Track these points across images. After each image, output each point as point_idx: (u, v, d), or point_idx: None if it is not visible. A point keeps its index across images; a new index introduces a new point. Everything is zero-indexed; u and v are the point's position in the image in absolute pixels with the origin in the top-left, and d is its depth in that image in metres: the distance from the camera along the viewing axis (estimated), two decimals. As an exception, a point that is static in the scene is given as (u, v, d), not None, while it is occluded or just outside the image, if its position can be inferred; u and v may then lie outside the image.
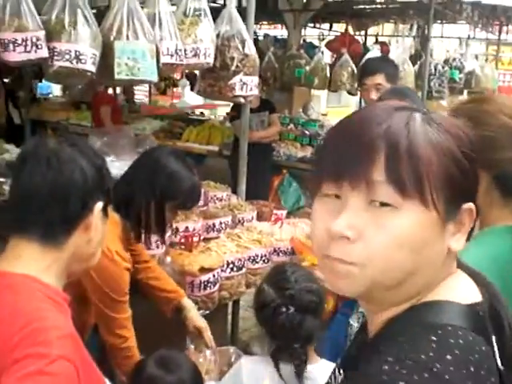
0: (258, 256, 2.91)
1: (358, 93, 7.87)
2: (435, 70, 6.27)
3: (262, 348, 3.69)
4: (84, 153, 1.23)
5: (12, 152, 4.14)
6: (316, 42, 8.27)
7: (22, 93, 7.82)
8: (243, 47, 3.04)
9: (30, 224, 1.18)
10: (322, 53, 6.75)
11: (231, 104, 6.23)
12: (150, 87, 11.56)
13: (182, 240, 2.80)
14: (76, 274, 1.29)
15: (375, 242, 0.78)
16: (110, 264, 2.02)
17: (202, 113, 9.99)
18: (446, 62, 6.66)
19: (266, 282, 1.92)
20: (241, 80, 3.06)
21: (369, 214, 0.79)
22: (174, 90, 12.64)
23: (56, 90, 12.08)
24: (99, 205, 1.23)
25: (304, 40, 8.24)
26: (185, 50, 2.74)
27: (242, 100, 3.16)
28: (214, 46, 2.89)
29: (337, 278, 0.82)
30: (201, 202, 3.38)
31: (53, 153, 1.19)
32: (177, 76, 10.98)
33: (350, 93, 6.89)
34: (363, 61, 6.18)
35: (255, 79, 3.17)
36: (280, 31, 10.05)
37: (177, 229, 2.88)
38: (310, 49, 7.51)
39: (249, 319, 4.67)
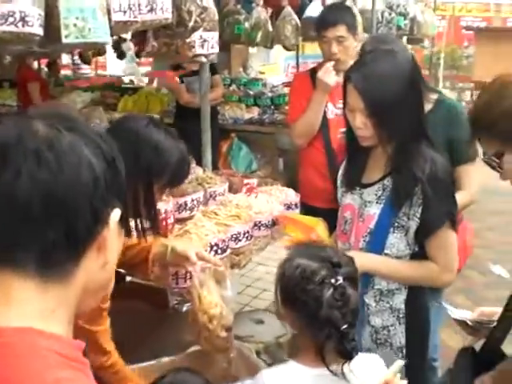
0: (240, 234, 2.59)
1: (295, 48, 7.63)
2: (382, 17, 6.03)
3: (241, 329, 3.43)
4: (89, 139, 0.85)
5: None
6: (249, -3, 7.89)
7: None
8: (201, -1, 2.67)
9: (19, 251, 0.79)
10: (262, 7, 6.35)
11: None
12: (72, 56, 10.93)
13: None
14: (88, 309, 0.92)
15: None
16: None
17: (131, 80, 9.47)
18: (390, 8, 6.42)
19: (294, 257, 1.62)
20: (201, 37, 2.71)
21: None
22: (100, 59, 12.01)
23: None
24: (116, 214, 0.88)
25: (236, -5, 7.84)
26: (139, 5, 2.35)
27: (204, 59, 2.81)
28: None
29: None
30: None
31: (45, 143, 0.80)
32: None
33: (286, 48, 6.61)
34: (307, 14, 5.90)
35: (216, 35, 2.82)
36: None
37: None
38: (246, 4, 7.12)
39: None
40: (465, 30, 15.80)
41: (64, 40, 2.01)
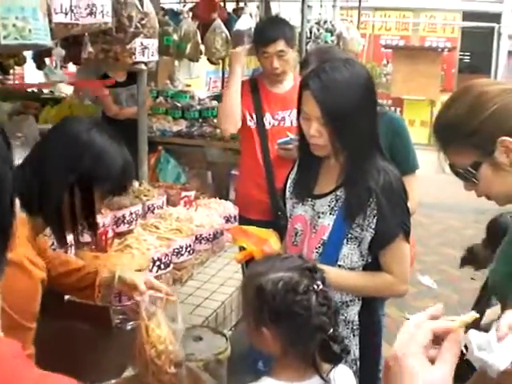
0: (182, 247, 2.50)
1: (220, 63, 7.60)
2: (310, 33, 6.09)
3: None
4: None
5: None
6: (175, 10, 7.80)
7: None
8: (141, 5, 2.59)
9: None
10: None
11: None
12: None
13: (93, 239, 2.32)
14: None
15: None
16: (19, 275, 1.53)
17: (51, 91, 9.15)
18: (318, 24, 6.50)
19: (268, 272, 1.56)
20: (141, 43, 2.61)
21: None
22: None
23: None
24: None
25: (162, 8, 7.73)
26: (78, 8, 2.23)
27: (144, 66, 2.71)
28: (110, 3, 2.40)
29: None
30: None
31: None
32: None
33: (211, 62, 6.58)
34: (237, 27, 5.87)
35: (156, 42, 2.73)
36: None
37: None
38: (174, 16, 7.03)
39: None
40: (384, 48, 16.24)
41: (2, 41, 1.88)
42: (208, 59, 6.40)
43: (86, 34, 2.59)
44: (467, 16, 17.26)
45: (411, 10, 17.87)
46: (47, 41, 2.05)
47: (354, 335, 2.07)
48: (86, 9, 2.30)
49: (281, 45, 3.26)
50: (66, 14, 2.12)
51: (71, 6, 2.14)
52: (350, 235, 2.01)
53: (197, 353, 2.46)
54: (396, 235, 1.99)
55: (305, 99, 2.01)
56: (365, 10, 15.75)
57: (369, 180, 1.97)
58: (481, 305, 1.79)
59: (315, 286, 1.51)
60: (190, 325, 4.14)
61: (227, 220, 3.03)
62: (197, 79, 13.46)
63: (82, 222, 1.80)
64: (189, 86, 8.97)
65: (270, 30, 3.34)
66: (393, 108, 13.62)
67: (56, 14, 2.10)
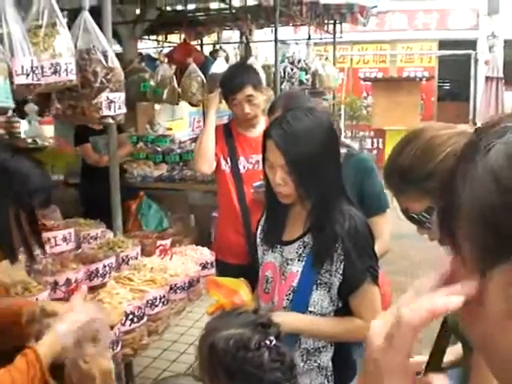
0: (156, 299, 2.49)
1: (201, 104, 7.67)
2: (284, 72, 6.16)
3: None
4: None
5: None
6: (153, 55, 7.90)
7: None
8: (106, 60, 2.62)
9: None
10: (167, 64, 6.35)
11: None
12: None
13: (66, 295, 2.32)
14: None
15: None
16: None
17: (34, 140, 9.19)
18: (292, 63, 6.58)
19: (219, 329, 1.55)
20: (107, 97, 2.63)
21: None
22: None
23: None
24: None
25: (140, 53, 7.83)
26: (42, 68, 2.27)
27: (111, 120, 2.73)
28: (74, 61, 2.43)
29: None
30: (73, 245, 2.91)
31: None
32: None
33: (192, 104, 6.64)
34: (212, 70, 5.96)
35: (122, 95, 2.75)
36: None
37: (56, 282, 2.40)
38: (150, 62, 7.12)
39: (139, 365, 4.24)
40: (363, 81, 16.43)
41: (-38, 105, 1.91)
42: (188, 102, 6.47)
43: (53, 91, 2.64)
44: (443, 44, 17.53)
45: (388, 42, 18.14)
46: (9, 103, 2.09)
47: (328, 381, 2.06)
48: (49, 68, 2.34)
49: (249, 90, 3.32)
50: (28, 75, 2.16)
51: (32, 67, 2.17)
52: (319, 281, 2.01)
53: (175, 402, 2.45)
54: (363, 279, 1.99)
55: (269, 148, 2.04)
56: (342, 44, 16.02)
57: (335, 225, 1.98)
58: (441, 342, 1.78)
59: (267, 342, 1.48)
60: (174, 372, 4.11)
61: (203, 267, 3.04)
62: (180, 120, 13.58)
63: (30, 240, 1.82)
64: (170, 129, 9.02)
65: (237, 77, 3.39)
66: (375, 139, 13.79)
67: (17, 75, 2.13)
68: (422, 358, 1.99)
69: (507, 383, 0.67)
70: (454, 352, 1.82)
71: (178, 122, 13.26)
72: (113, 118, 2.70)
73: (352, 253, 1.96)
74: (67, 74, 2.38)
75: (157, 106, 9.16)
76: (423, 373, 1.84)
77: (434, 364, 1.81)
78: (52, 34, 2.36)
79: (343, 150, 2.89)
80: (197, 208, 5.92)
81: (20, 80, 2.15)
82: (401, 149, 1.58)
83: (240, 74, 3.44)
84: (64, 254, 2.80)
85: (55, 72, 2.34)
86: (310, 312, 2.03)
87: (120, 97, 2.71)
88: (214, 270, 3.11)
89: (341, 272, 1.97)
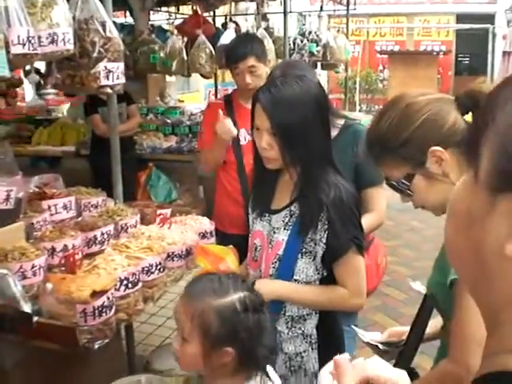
0: (152, 266, 2.54)
1: (213, 76, 7.67)
2: (294, 44, 6.14)
3: (162, 363, 3.36)
4: None
5: None
6: (165, 27, 7.90)
7: None
8: (104, 30, 2.64)
9: None
10: (177, 36, 6.35)
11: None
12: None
13: (62, 261, 2.37)
14: None
15: None
16: None
17: (48, 111, 9.26)
18: (302, 35, 6.55)
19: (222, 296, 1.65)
20: (105, 67, 2.66)
21: None
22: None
23: None
24: None
25: (152, 25, 7.83)
26: (39, 37, 2.30)
27: (110, 90, 2.76)
28: (72, 31, 2.46)
29: None
30: (73, 212, 2.96)
31: None
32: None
33: (203, 76, 6.64)
34: (221, 42, 5.95)
35: (121, 65, 2.77)
36: (123, 19, 9.52)
37: (53, 248, 2.45)
38: (161, 33, 7.13)
39: (142, 332, 4.33)
40: (379, 54, 16.30)
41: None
42: (200, 74, 6.48)
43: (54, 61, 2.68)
44: (461, 18, 17.29)
45: (405, 15, 17.92)
46: (5, 72, 2.12)
47: (312, 349, 2.10)
48: (47, 38, 2.37)
49: (251, 61, 3.33)
50: (24, 44, 2.19)
51: (29, 37, 2.21)
52: (304, 250, 2.04)
53: (178, 368, 2.51)
54: (347, 249, 2.02)
55: (256, 112, 2.07)
56: (359, 17, 15.89)
57: (320, 194, 2.01)
58: (422, 315, 1.81)
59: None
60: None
61: (203, 236, 3.08)
62: (196, 93, 13.61)
63: None
64: (181, 101, 9.04)
65: (240, 47, 3.40)
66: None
67: (13, 45, 2.16)
68: (404, 329, 2.04)
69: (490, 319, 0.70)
70: (433, 326, 1.86)
71: (194, 95, 13.30)
72: (111, 87, 2.72)
73: (336, 222, 1.99)
74: (64, 44, 2.41)
75: (171, 78, 9.18)
76: (404, 344, 1.88)
77: (416, 335, 1.87)
78: (50, 5, 2.38)
79: (341, 121, 2.91)
80: (205, 179, 5.95)
81: (16, 50, 2.18)
82: (379, 118, 1.60)
83: (243, 44, 3.45)
84: (64, 221, 2.86)
85: (52, 42, 2.37)
86: (295, 280, 2.07)
87: (118, 67, 2.73)
88: (213, 240, 3.15)
89: (324, 241, 2.01)
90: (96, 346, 2.20)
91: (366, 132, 1.67)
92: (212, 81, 8.88)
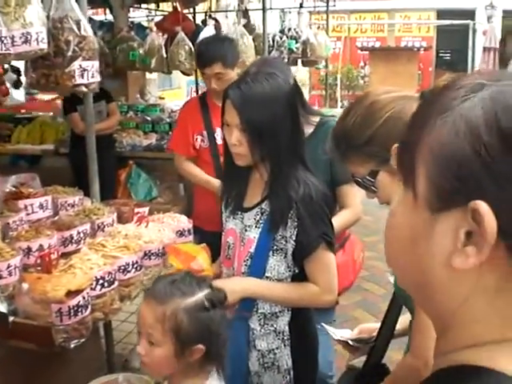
0: (128, 265, 2.55)
1: (193, 73, 7.66)
2: (273, 41, 6.15)
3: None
4: None
5: None
6: (144, 24, 7.88)
7: None
8: (79, 28, 2.64)
9: None
10: (156, 33, 6.33)
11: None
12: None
13: (38, 261, 2.37)
14: None
15: None
16: None
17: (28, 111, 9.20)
18: (281, 32, 6.56)
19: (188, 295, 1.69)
20: (80, 66, 2.65)
21: None
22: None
23: None
24: None
25: (131, 22, 7.80)
26: (12, 37, 2.30)
27: (84, 89, 2.75)
28: (46, 30, 2.46)
29: None
30: (50, 212, 2.96)
31: None
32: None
33: (184, 73, 6.63)
34: (199, 41, 5.93)
35: (96, 64, 2.77)
36: (103, 16, 9.48)
37: (29, 248, 2.45)
38: (140, 30, 7.10)
39: (121, 330, 4.32)
40: (360, 50, 16.36)
41: None
42: (180, 71, 6.46)
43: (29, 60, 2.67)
44: (442, 14, 17.40)
45: (386, 11, 18.00)
46: (-23, 72, 2.12)
47: (284, 345, 2.12)
48: (20, 38, 2.37)
49: (217, 68, 3.37)
50: (-4, 44, 2.19)
51: (1, 37, 2.20)
52: (275, 247, 2.06)
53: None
54: (317, 245, 2.04)
55: (226, 109, 2.09)
56: (339, 13, 15.92)
57: (289, 191, 2.02)
58: (392, 312, 1.84)
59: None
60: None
61: (181, 234, 3.08)
62: (178, 90, 13.58)
63: None
64: (162, 98, 9.01)
65: (208, 51, 3.42)
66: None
67: (-15, 45, 2.16)
68: (375, 326, 2.07)
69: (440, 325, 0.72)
70: (402, 322, 1.89)
71: (176, 92, 13.27)
72: (86, 86, 2.72)
73: (306, 219, 2.00)
74: (38, 43, 2.41)
75: (152, 75, 9.16)
76: (374, 340, 1.92)
77: (386, 331, 1.91)
78: (23, 4, 2.38)
79: (316, 119, 2.93)
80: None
81: (-12, 49, 2.18)
82: (345, 115, 1.63)
83: (212, 48, 3.45)
84: (41, 221, 2.85)
85: (26, 41, 2.37)
86: (267, 277, 2.08)
87: (93, 65, 2.73)
88: (191, 238, 3.16)
89: (294, 238, 2.02)
90: (72, 346, 2.20)
91: (332, 129, 1.69)
92: (193, 78, 8.85)
